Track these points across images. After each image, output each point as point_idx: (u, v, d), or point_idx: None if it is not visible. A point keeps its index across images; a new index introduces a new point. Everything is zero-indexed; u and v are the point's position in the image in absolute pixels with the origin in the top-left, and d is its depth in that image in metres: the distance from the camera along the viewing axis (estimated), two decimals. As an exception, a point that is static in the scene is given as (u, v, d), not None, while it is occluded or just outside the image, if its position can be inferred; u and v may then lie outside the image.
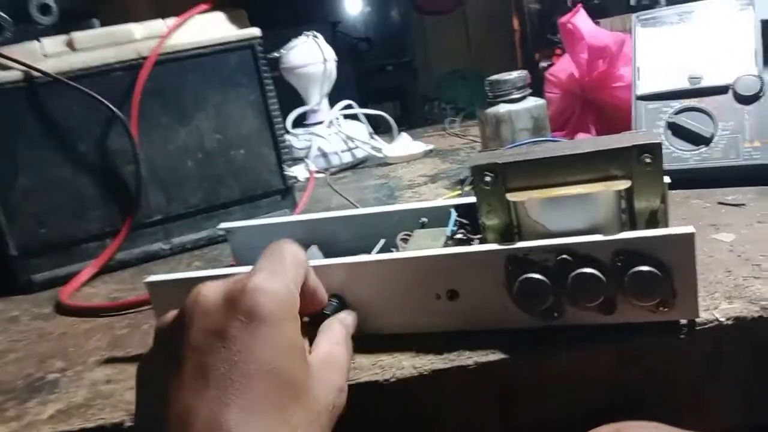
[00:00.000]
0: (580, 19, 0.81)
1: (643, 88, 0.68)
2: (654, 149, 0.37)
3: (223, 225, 0.57)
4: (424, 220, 0.50)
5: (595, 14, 0.91)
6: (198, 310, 0.32)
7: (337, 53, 1.21)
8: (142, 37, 0.72)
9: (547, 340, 0.39)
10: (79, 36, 0.69)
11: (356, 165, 1.15)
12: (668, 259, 0.36)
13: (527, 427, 0.40)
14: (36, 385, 0.46)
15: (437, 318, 0.41)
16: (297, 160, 1.12)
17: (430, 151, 1.14)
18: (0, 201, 0.66)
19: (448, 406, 0.40)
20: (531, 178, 0.40)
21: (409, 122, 1.97)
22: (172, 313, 0.35)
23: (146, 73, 0.70)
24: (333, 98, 1.23)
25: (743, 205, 0.56)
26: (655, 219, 0.39)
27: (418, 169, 1.02)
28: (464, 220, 0.48)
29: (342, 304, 0.41)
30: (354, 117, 1.23)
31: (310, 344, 0.37)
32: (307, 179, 1.02)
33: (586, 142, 0.41)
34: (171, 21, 0.73)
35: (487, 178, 0.40)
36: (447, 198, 0.75)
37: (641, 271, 0.36)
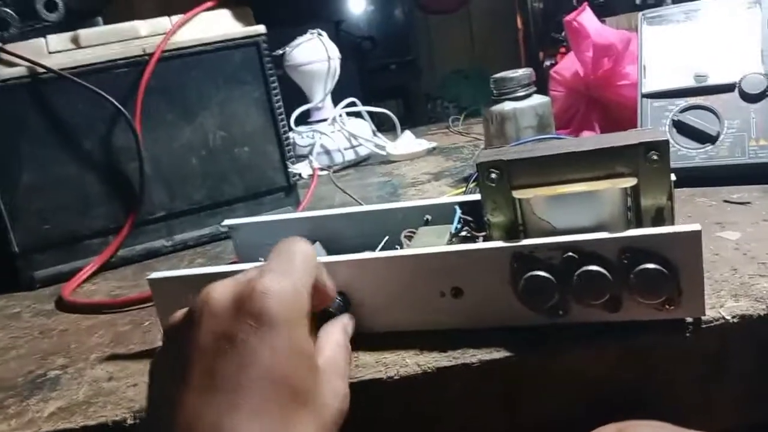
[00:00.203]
0: (586, 17, 0.81)
1: (649, 86, 0.67)
2: (661, 146, 0.37)
3: (227, 222, 0.57)
4: (429, 217, 0.50)
5: (601, 12, 0.91)
6: (206, 312, 0.32)
7: (341, 52, 1.21)
8: (147, 34, 0.72)
9: (552, 337, 0.39)
10: (84, 33, 0.69)
11: (359, 163, 1.15)
12: (674, 257, 0.36)
13: (531, 425, 0.40)
14: (37, 382, 0.46)
15: (441, 315, 0.41)
16: (300, 158, 1.12)
17: (434, 149, 1.14)
18: (3, 197, 0.66)
19: (452, 403, 0.39)
20: (537, 175, 0.39)
21: (413, 121, 1.96)
22: (180, 313, 0.35)
23: (151, 70, 0.70)
24: (336, 96, 1.23)
25: (749, 203, 0.56)
26: (661, 217, 0.39)
27: (422, 167, 1.01)
28: (469, 218, 0.48)
29: (346, 302, 0.41)
30: (357, 115, 1.23)
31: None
32: (311, 176, 1.02)
33: (592, 140, 0.41)
34: (176, 18, 0.73)
35: (493, 175, 0.40)
36: (451, 195, 0.75)
37: (647, 269, 0.36)
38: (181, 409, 0.30)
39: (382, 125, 1.28)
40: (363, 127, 1.20)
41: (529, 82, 0.73)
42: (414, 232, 0.48)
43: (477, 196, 0.44)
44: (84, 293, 0.64)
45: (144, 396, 0.39)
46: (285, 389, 0.30)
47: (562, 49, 1.32)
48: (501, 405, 0.39)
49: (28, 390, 0.45)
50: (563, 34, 0.91)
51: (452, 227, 0.47)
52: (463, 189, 0.77)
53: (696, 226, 0.35)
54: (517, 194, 0.40)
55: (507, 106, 0.72)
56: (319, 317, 0.39)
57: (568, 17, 0.82)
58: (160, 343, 0.43)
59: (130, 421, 0.39)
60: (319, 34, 1.18)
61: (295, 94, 1.18)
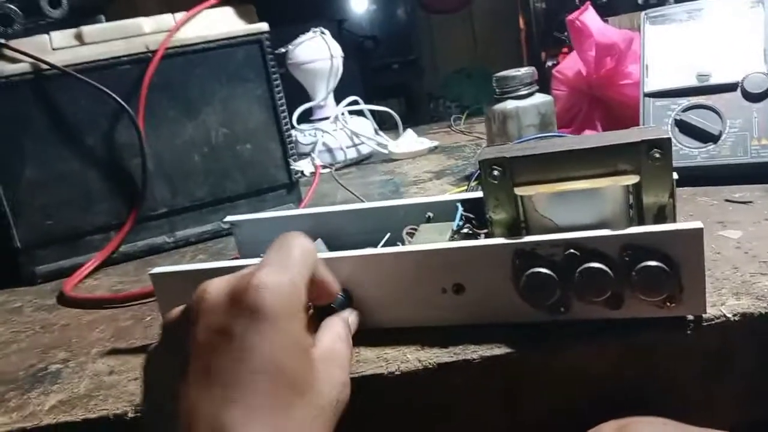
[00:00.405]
0: (589, 17, 0.81)
1: (652, 85, 0.67)
2: (663, 144, 0.37)
3: (229, 218, 0.57)
4: (430, 214, 0.50)
5: (604, 12, 0.91)
6: (203, 308, 0.32)
7: (344, 50, 1.21)
8: (150, 30, 0.72)
9: (553, 334, 0.39)
10: (88, 29, 0.70)
11: (361, 161, 1.15)
12: (676, 255, 0.36)
13: (532, 421, 0.40)
14: (38, 376, 0.46)
15: (443, 312, 0.41)
16: (303, 155, 1.12)
17: (435, 147, 1.14)
18: (7, 193, 0.66)
19: (453, 399, 0.40)
20: (539, 172, 0.39)
21: (415, 119, 1.96)
22: (178, 310, 0.35)
23: (154, 66, 0.70)
24: (339, 94, 1.23)
25: (750, 202, 0.56)
26: (663, 214, 0.39)
27: (423, 166, 1.02)
28: (470, 215, 0.48)
29: (348, 298, 0.41)
30: (359, 113, 1.23)
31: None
32: (313, 174, 1.02)
33: (594, 137, 0.41)
34: (180, 15, 0.73)
35: (495, 173, 0.40)
36: (452, 193, 0.75)
37: (649, 266, 0.36)
38: (179, 403, 0.30)
39: (384, 124, 1.28)
40: (365, 126, 1.20)
41: (532, 81, 0.73)
42: (416, 229, 0.48)
43: (479, 194, 0.44)
44: (85, 288, 0.64)
45: (144, 390, 0.40)
46: (281, 381, 0.31)
47: (565, 49, 1.32)
48: (502, 401, 0.40)
49: (29, 383, 0.45)
50: (566, 33, 0.91)
51: (454, 224, 0.47)
52: (465, 188, 0.77)
53: (698, 224, 0.35)
54: (519, 191, 0.40)
55: (509, 104, 0.72)
56: (321, 314, 0.39)
57: (571, 16, 0.82)
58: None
59: (131, 415, 0.39)
60: (322, 33, 1.18)
61: (298, 92, 1.18)
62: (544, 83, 0.83)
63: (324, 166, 1.09)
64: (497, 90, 0.73)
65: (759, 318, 0.38)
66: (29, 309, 0.61)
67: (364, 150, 1.17)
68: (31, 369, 0.47)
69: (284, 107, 0.79)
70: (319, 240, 0.51)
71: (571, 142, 0.41)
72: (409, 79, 2.93)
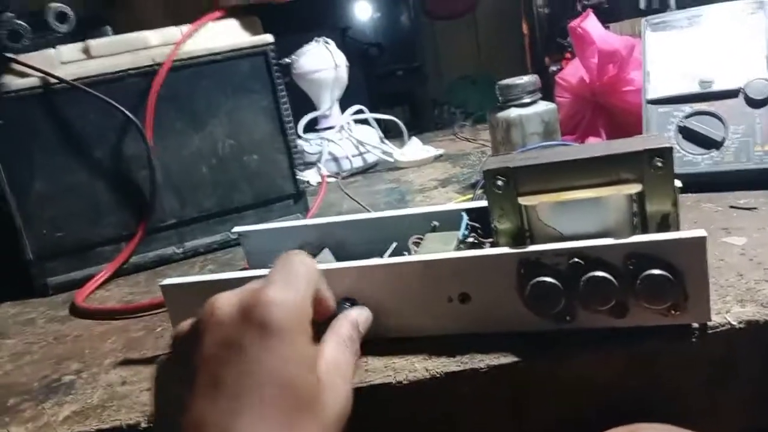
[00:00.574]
0: (591, 24, 0.81)
1: (654, 92, 0.68)
2: (665, 153, 0.37)
3: (237, 229, 0.57)
4: (436, 223, 0.50)
5: (605, 18, 0.91)
6: (212, 322, 0.33)
7: (348, 59, 1.22)
8: (157, 43, 0.73)
9: (558, 343, 0.39)
10: (95, 43, 0.70)
11: (367, 169, 1.16)
12: (680, 263, 0.36)
13: (539, 430, 0.40)
14: (52, 387, 0.47)
15: (449, 321, 0.41)
16: (309, 165, 1.12)
17: (441, 155, 1.14)
18: (17, 206, 0.67)
19: (460, 408, 0.40)
20: (543, 182, 0.40)
21: (420, 127, 1.97)
22: (187, 323, 0.35)
23: (161, 79, 0.71)
24: (344, 103, 1.23)
25: (755, 208, 0.56)
26: (666, 223, 0.39)
27: (429, 174, 1.02)
28: (476, 224, 0.48)
29: (353, 306, 0.42)
30: (365, 122, 1.23)
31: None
32: (319, 184, 1.02)
33: (597, 146, 0.41)
34: (185, 28, 0.74)
35: (499, 182, 0.40)
36: (458, 202, 0.76)
37: (653, 275, 0.36)
38: (187, 415, 0.31)
39: (390, 132, 1.29)
40: (370, 134, 1.21)
41: (535, 88, 0.73)
42: (421, 239, 0.48)
43: (484, 203, 0.44)
44: (97, 299, 0.65)
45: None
46: (288, 395, 0.31)
47: (568, 55, 1.32)
48: (509, 410, 0.40)
49: (44, 394, 0.46)
50: (568, 39, 0.92)
51: (459, 233, 0.47)
52: (471, 196, 0.78)
53: (701, 232, 0.36)
54: (523, 201, 0.40)
55: (513, 112, 0.72)
56: (320, 327, 0.39)
57: (573, 23, 0.83)
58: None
59: (143, 425, 0.40)
60: (326, 42, 1.19)
61: (303, 102, 1.19)
62: (547, 89, 0.83)
63: (330, 176, 1.09)
64: (500, 98, 0.74)
65: (764, 325, 0.38)
66: (42, 320, 0.62)
67: (370, 158, 1.18)
68: (45, 380, 0.48)
69: (290, 118, 0.79)
70: (326, 250, 0.52)
71: (573, 151, 0.41)
72: (414, 86, 2.93)
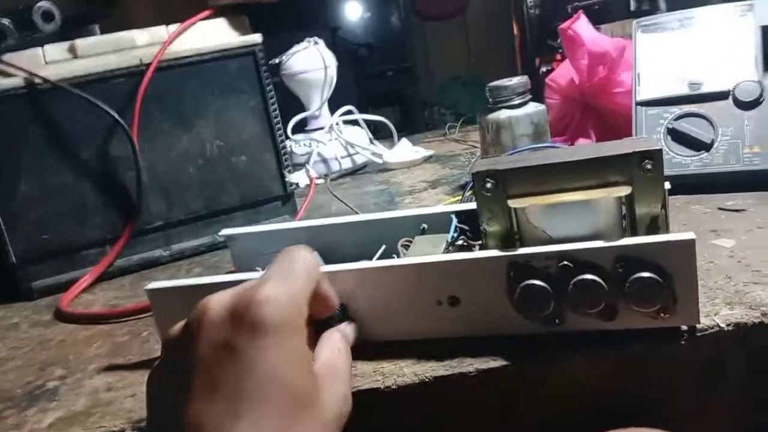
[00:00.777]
0: (581, 25, 0.81)
1: (644, 93, 0.68)
2: (655, 155, 0.37)
3: (224, 231, 0.57)
4: (425, 226, 0.50)
5: (596, 20, 0.91)
6: (205, 322, 0.32)
7: (338, 59, 1.21)
8: (144, 43, 0.72)
9: (548, 346, 0.39)
10: (81, 43, 0.70)
11: (356, 171, 1.15)
12: (669, 265, 0.36)
13: (529, 434, 0.40)
14: (36, 393, 0.46)
15: (438, 324, 0.41)
16: (297, 166, 1.12)
17: (430, 156, 1.14)
18: (1, 208, 0.66)
19: (449, 413, 0.40)
20: (532, 184, 0.40)
21: (410, 128, 1.97)
22: (178, 326, 0.35)
23: (148, 79, 0.70)
24: (333, 103, 1.23)
25: (743, 210, 0.56)
26: (655, 225, 0.39)
27: (419, 175, 1.02)
28: (465, 226, 0.48)
29: (344, 311, 0.41)
30: (354, 123, 1.23)
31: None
32: (308, 185, 1.02)
33: (586, 149, 0.41)
34: (173, 28, 0.73)
35: (488, 185, 0.40)
36: (447, 204, 0.75)
37: (642, 277, 0.36)
38: (183, 418, 0.30)
39: (379, 132, 1.28)
40: (360, 135, 1.20)
41: (525, 90, 0.73)
42: (410, 241, 0.48)
43: (473, 205, 0.44)
44: (82, 303, 0.64)
45: (142, 406, 0.39)
46: (285, 395, 0.31)
47: (558, 56, 1.32)
48: (499, 414, 0.40)
49: (27, 401, 0.45)
50: (559, 41, 0.92)
51: (449, 236, 0.47)
52: (460, 197, 0.78)
53: (690, 235, 0.36)
54: (512, 203, 0.40)
55: (502, 114, 0.72)
56: (318, 327, 0.39)
57: (563, 25, 0.83)
58: (158, 354, 0.43)
59: (128, 432, 0.39)
60: (316, 43, 1.19)
61: (292, 103, 1.18)
62: (538, 90, 0.83)
63: (319, 177, 1.09)
64: (490, 99, 0.74)
65: (752, 327, 0.38)
66: (26, 325, 0.61)
67: (359, 160, 1.17)
68: (29, 386, 0.47)
69: (278, 118, 0.79)
70: (315, 253, 0.51)
71: (563, 153, 0.41)
72: (404, 87, 2.94)
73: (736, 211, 0.56)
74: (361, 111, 1.24)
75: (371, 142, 1.21)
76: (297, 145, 1.17)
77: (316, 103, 1.20)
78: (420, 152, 1.14)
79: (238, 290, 0.33)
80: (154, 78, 0.71)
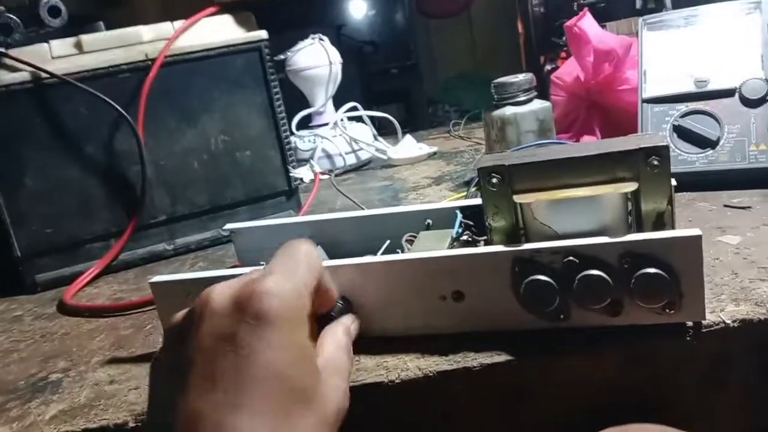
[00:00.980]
0: (587, 23, 0.81)
1: (650, 91, 0.67)
2: (661, 151, 0.37)
3: (228, 226, 0.57)
4: (429, 221, 0.50)
5: (601, 17, 0.91)
6: (207, 312, 0.32)
7: (342, 56, 1.21)
8: (149, 39, 0.72)
9: (553, 342, 0.39)
10: (87, 38, 0.70)
11: (360, 167, 1.15)
12: (675, 261, 0.36)
13: (533, 429, 0.40)
14: (39, 385, 0.46)
15: (442, 319, 0.41)
16: (302, 162, 1.12)
17: (435, 153, 1.14)
18: (6, 202, 0.66)
19: (453, 407, 0.40)
20: (538, 180, 0.40)
21: (414, 125, 1.97)
22: (180, 314, 0.35)
23: (153, 74, 0.70)
24: (338, 100, 1.23)
25: (749, 207, 0.56)
26: (661, 221, 0.39)
27: (423, 171, 1.02)
28: (470, 222, 0.48)
29: (347, 306, 0.41)
30: (359, 119, 1.23)
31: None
32: (312, 181, 1.02)
33: (592, 145, 0.41)
34: (179, 23, 0.73)
35: (494, 180, 0.40)
36: (451, 200, 0.75)
37: (648, 273, 0.36)
38: (183, 409, 0.30)
39: (384, 129, 1.28)
40: (364, 132, 1.20)
41: (530, 87, 0.73)
42: (415, 236, 0.48)
43: (478, 201, 0.44)
44: (86, 297, 0.64)
45: (145, 399, 0.40)
46: (285, 387, 0.30)
47: (563, 54, 1.32)
48: (503, 409, 0.40)
49: (30, 393, 0.45)
50: (564, 38, 0.91)
51: (453, 231, 0.47)
52: (464, 193, 0.77)
53: (696, 231, 0.35)
54: (518, 199, 0.40)
55: (508, 111, 0.72)
56: (320, 321, 0.39)
57: (569, 23, 0.82)
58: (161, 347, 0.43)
59: (131, 424, 0.39)
60: (321, 39, 1.19)
61: (297, 99, 1.18)
62: (543, 87, 0.83)
63: (323, 173, 1.09)
64: (496, 96, 0.74)
65: (758, 324, 0.38)
66: (29, 318, 0.61)
67: (364, 156, 1.17)
68: (32, 378, 0.47)
69: (283, 114, 0.79)
70: (318, 247, 0.51)
71: (569, 149, 0.41)
72: (409, 84, 2.93)
73: (742, 208, 0.56)
74: (365, 108, 1.24)
75: (375, 139, 1.21)
76: (301, 140, 1.17)
77: (321, 99, 1.20)
78: (424, 149, 1.14)
79: (241, 281, 0.33)
80: (160, 73, 0.71)
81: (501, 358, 0.38)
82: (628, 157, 0.38)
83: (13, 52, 0.66)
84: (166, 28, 0.73)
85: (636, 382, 0.39)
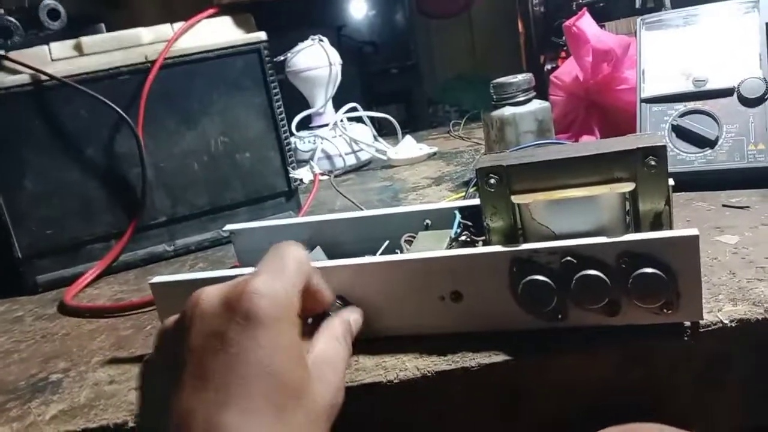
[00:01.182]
0: (585, 23, 0.81)
1: (648, 90, 0.68)
2: (659, 152, 0.37)
3: (228, 227, 0.57)
4: (428, 222, 0.50)
5: (600, 17, 0.91)
6: (197, 314, 0.33)
7: (342, 57, 1.21)
8: (149, 41, 0.72)
9: (551, 341, 0.39)
10: (87, 40, 0.70)
11: (360, 167, 1.15)
12: (673, 261, 0.36)
13: (530, 428, 0.40)
14: (39, 386, 0.46)
15: (441, 320, 0.41)
16: (302, 163, 1.12)
17: (434, 153, 1.14)
18: (7, 203, 0.66)
19: (452, 407, 0.40)
20: (536, 180, 0.40)
21: (414, 125, 1.97)
22: (172, 318, 0.35)
23: (153, 76, 0.70)
24: (338, 101, 1.23)
25: (747, 207, 0.56)
26: (659, 221, 0.39)
27: (422, 172, 1.02)
28: (468, 222, 0.48)
29: (346, 305, 0.41)
30: (358, 120, 1.23)
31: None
32: (312, 181, 1.02)
33: (590, 145, 0.41)
34: (178, 25, 0.73)
35: (492, 181, 0.40)
36: (450, 200, 0.75)
37: (645, 273, 0.36)
38: (175, 408, 0.31)
39: (383, 129, 1.28)
40: (364, 132, 1.20)
41: (529, 87, 0.73)
42: (414, 237, 0.48)
43: (477, 201, 0.44)
44: (86, 297, 0.65)
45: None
46: (275, 385, 0.31)
47: (563, 54, 1.32)
48: (501, 409, 0.40)
49: (30, 393, 0.45)
50: (563, 38, 0.91)
51: (452, 232, 0.47)
52: (463, 194, 0.78)
53: (693, 231, 0.36)
54: (516, 199, 0.40)
55: (507, 111, 0.72)
56: (319, 322, 0.39)
57: (568, 23, 0.83)
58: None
59: (131, 424, 0.40)
60: (320, 40, 1.19)
61: (297, 100, 1.18)
62: (543, 88, 0.83)
63: (323, 174, 1.09)
64: (495, 96, 0.74)
65: (756, 324, 0.38)
66: (30, 318, 0.61)
67: (363, 156, 1.17)
68: (32, 379, 0.48)
69: (283, 115, 0.79)
70: (318, 248, 0.51)
71: (567, 150, 0.41)
72: (409, 85, 2.94)
73: (741, 208, 0.56)
74: (365, 108, 1.24)
75: (375, 140, 1.21)
76: (301, 141, 1.17)
77: (321, 100, 1.20)
78: (424, 149, 1.14)
79: (231, 283, 0.34)
80: (159, 75, 0.71)
81: (499, 358, 0.38)
82: (625, 157, 0.38)
83: (13, 54, 0.66)
84: (165, 30, 0.73)
85: (633, 381, 0.39)
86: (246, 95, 0.76)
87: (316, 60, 1.17)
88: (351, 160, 1.16)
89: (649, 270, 0.36)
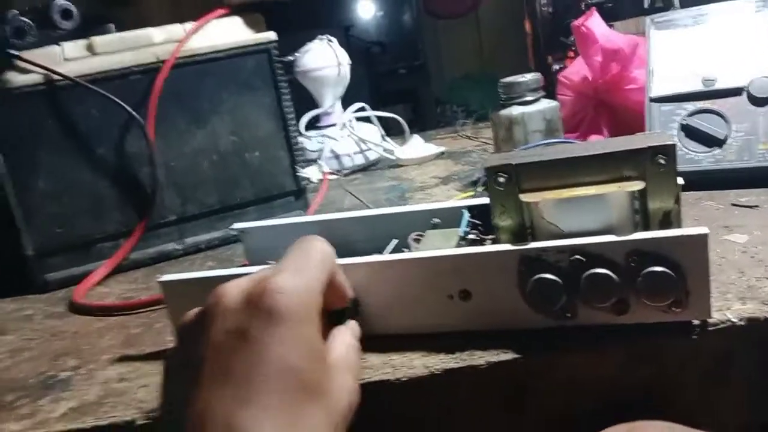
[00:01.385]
0: (594, 22, 0.81)
1: (657, 90, 0.67)
2: (668, 150, 0.37)
3: (237, 225, 0.57)
4: (437, 220, 0.50)
5: (609, 17, 0.91)
6: (219, 310, 0.33)
7: (350, 57, 1.22)
8: (160, 41, 0.72)
9: (559, 340, 0.39)
10: (99, 40, 0.70)
11: (368, 167, 1.15)
12: (681, 260, 0.36)
13: (539, 427, 0.40)
14: (49, 383, 0.46)
15: (449, 318, 0.41)
16: (310, 162, 1.12)
17: (442, 153, 1.14)
18: (19, 202, 0.67)
19: (460, 405, 0.40)
20: (545, 179, 0.40)
21: (422, 125, 1.97)
22: (192, 312, 0.35)
23: (164, 76, 0.71)
24: (346, 101, 1.23)
25: (756, 206, 0.56)
26: (668, 220, 0.39)
27: (430, 171, 1.02)
28: (477, 221, 0.48)
29: (355, 304, 0.42)
30: (366, 119, 1.23)
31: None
32: (320, 181, 1.02)
33: (599, 144, 0.41)
34: (189, 25, 0.74)
35: (501, 179, 0.40)
36: (459, 199, 0.75)
37: (654, 272, 0.36)
38: (195, 403, 0.31)
39: (391, 129, 1.29)
40: (372, 132, 1.20)
41: (537, 86, 0.73)
42: (422, 236, 0.48)
43: (485, 200, 0.44)
44: (96, 296, 0.65)
45: (155, 396, 0.40)
46: (295, 383, 0.31)
47: (571, 53, 1.32)
48: (508, 407, 0.40)
49: (40, 390, 0.45)
50: (571, 38, 0.91)
51: (460, 230, 0.47)
52: (472, 193, 0.78)
53: (703, 229, 0.35)
54: (525, 198, 0.40)
55: (515, 110, 0.72)
56: (330, 319, 0.39)
57: (576, 22, 0.83)
58: (171, 345, 0.44)
59: (140, 422, 0.40)
60: (329, 40, 1.19)
61: (305, 100, 1.19)
62: (551, 87, 0.83)
63: (331, 173, 1.09)
64: (503, 96, 0.74)
65: (765, 323, 0.38)
66: (40, 316, 0.62)
67: (371, 156, 1.18)
68: (42, 376, 0.48)
69: (292, 115, 0.79)
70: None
71: (576, 148, 0.41)
72: (416, 84, 2.94)
73: (749, 207, 0.56)
74: (373, 108, 1.24)
75: (383, 139, 1.21)
76: (310, 141, 1.17)
77: (329, 100, 1.20)
78: (432, 149, 1.14)
79: (254, 278, 0.34)
80: (170, 75, 0.71)
81: (507, 356, 0.38)
82: (634, 155, 0.38)
83: (25, 54, 0.66)
84: (176, 30, 0.73)
85: (640, 379, 0.39)
86: (256, 95, 0.77)
87: (324, 60, 1.17)
88: (359, 160, 1.16)
89: (658, 268, 0.36)
